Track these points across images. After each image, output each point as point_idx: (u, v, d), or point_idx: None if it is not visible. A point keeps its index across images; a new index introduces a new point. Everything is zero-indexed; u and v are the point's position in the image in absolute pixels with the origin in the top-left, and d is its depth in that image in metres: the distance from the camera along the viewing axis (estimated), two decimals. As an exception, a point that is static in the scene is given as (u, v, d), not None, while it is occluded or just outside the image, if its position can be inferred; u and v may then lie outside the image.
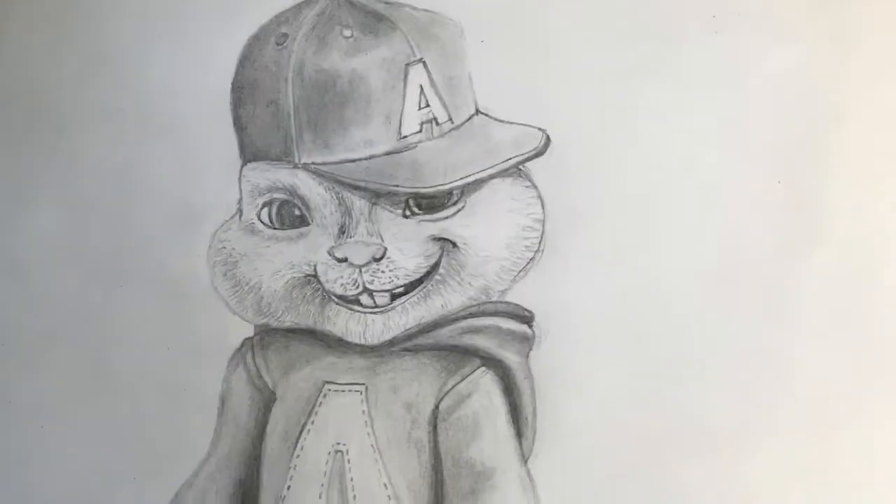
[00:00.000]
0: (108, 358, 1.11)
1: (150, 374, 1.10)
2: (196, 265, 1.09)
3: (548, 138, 1.05)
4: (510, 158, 1.04)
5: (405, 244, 1.03)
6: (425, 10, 1.06)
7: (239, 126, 1.07)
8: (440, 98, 1.04)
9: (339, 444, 1.05)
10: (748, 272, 1.03)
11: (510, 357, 1.06)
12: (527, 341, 1.06)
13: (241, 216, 1.08)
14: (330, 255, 1.03)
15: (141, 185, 1.11)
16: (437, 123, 1.03)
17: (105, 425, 1.11)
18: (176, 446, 1.09)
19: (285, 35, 1.04)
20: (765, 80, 1.04)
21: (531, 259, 1.05)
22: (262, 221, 1.06)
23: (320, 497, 1.05)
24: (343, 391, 1.06)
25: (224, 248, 1.08)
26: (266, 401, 1.08)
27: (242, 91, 1.07)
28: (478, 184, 1.04)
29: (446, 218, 1.04)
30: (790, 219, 1.03)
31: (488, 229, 1.05)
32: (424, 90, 1.03)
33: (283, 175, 1.04)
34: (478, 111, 1.06)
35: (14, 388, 1.12)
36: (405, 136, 1.03)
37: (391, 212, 1.03)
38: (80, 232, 1.11)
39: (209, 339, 1.10)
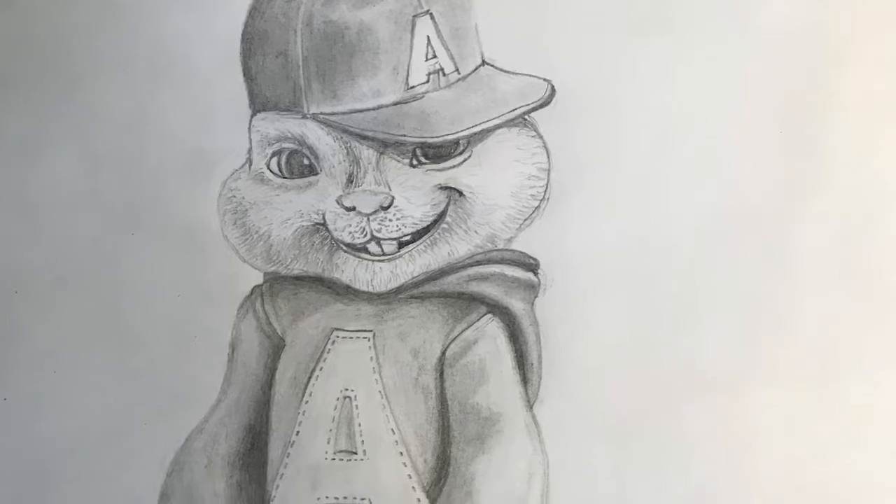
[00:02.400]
0: (120, 304, 1.12)
1: (161, 320, 1.11)
2: (206, 213, 1.10)
3: (553, 88, 1.06)
4: (516, 109, 1.05)
5: (412, 193, 1.05)
6: (432, -38, 1.06)
7: (248, 76, 1.08)
8: (447, 49, 1.05)
9: (347, 389, 1.06)
10: (750, 219, 1.05)
11: (516, 304, 1.07)
12: (532, 289, 1.07)
13: (250, 165, 1.09)
14: (338, 203, 1.05)
15: (152, 132, 1.12)
16: (444, 74, 1.05)
17: (117, 371, 1.12)
18: (186, 392, 1.10)
19: None
20: (766, 29, 1.05)
21: (536, 207, 1.07)
22: (271, 171, 1.08)
23: (329, 442, 1.06)
24: (351, 338, 1.07)
25: (234, 196, 1.09)
26: (275, 347, 1.09)
27: (252, 42, 1.08)
28: (484, 134, 1.05)
29: (453, 167, 1.05)
30: (791, 167, 1.04)
31: (494, 178, 1.06)
32: (431, 41, 1.04)
33: (292, 125, 1.05)
34: (484, 62, 1.07)
35: (27, 333, 1.13)
36: (412, 87, 1.04)
37: (398, 161, 1.04)
38: (92, 179, 1.12)
39: (219, 286, 1.11)
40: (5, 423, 1.13)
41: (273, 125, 1.06)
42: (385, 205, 1.04)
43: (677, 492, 1.06)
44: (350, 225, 1.04)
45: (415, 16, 1.04)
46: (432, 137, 1.04)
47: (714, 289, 1.06)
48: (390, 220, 1.04)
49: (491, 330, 1.07)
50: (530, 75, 1.07)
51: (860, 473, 1.04)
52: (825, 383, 1.04)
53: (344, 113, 1.04)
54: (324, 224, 1.06)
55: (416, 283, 1.08)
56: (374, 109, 1.04)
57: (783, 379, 1.05)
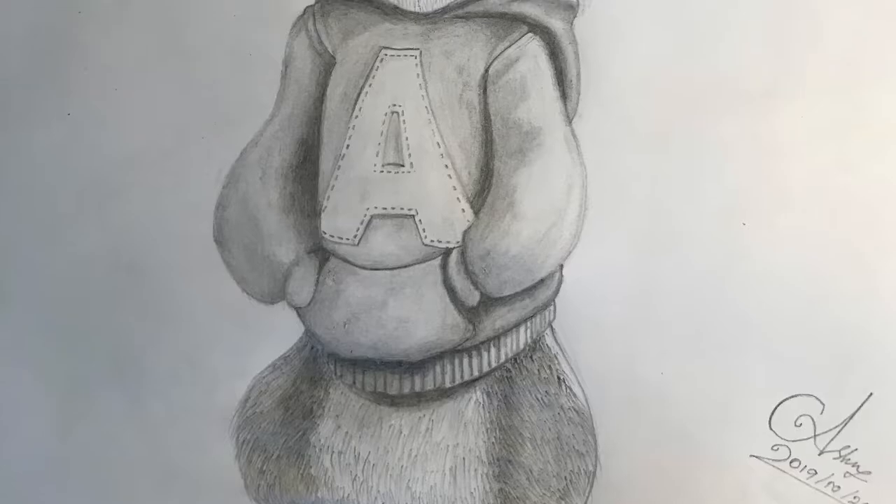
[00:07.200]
0: (179, 23, 1.16)
1: (219, 39, 1.15)
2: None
3: None
4: None
5: None
6: None
7: None
8: None
9: (395, 105, 1.10)
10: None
11: (556, 24, 1.11)
12: (571, 9, 1.11)
13: None
14: (389, -73, 1.08)
15: None
16: None
17: (176, 87, 1.16)
18: (242, 107, 1.15)
19: None
20: None
21: (577, -68, 1.09)
22: None
23: (377, 155, 1.10)
24: (399, 56, 1.11)
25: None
26: (326, 65, 1.13)
27: None
28: None
29: None
30: None
31: None
32: None
33: None
34: None
35: (91, 52, 1.17)
36: None
37: None
38: None
39: (273, 6, 1.14)
40: (69, 138, 1.18)
41: None
42: (431, -72, 1.07)
43: (712, 199, 1.11)
44: (396, -50, 1.08)
45: None
46: None
47: (746, 3, 1.09)
48: (435, -57, 1.07)
49: (532, 48, 1.10)
50: None
51: (885, 182, 1.08)
52: (854, 94, 1.07)
53: None
54: (371, -52, 1.08)
55: (461, 4, 1.11)
56: None
57: (813, 90, 1.08)
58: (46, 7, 1.18)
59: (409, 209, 1.11)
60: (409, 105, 1.11)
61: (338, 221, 1.12)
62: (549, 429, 1.12)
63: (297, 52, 1.15)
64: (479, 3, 1.11)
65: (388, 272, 1.11)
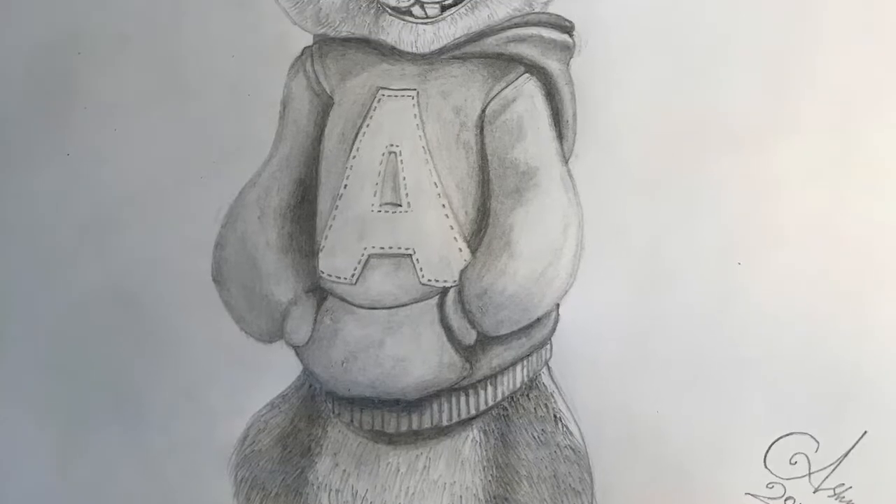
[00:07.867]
0: (178, 62, 1.16)
1: (217, 78, 1.15)
2: (259, -23, 1.13)
3: None
4: None
5: None
6: None
7: None
8: None
9: (392, 145, 1.11)
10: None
11: (552, 64, 1.12)
12: (567, 50, 1.12)
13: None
14: (384, -32, 1.09)
15: None
16: None
17: (175, 128, 1.17)
18: (240, 147, 1.16)
19: None
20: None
21: (573, -28, 1.10)
22: (320, -63, 1.11)
23: (375, 195, 1.11)
24: (396, 96, 1.12)
25: (285, -39, 1.13)
26: (324, 105, 1.14)
27: None
28: None
29: None
30: None
31: (532, -58, 1.10)
32: None
33: None
34: None
35: (90, 92, 1.18)
36: None
37: None
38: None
39: (271, 47, 1.15)
40: (69, 177, 1.19)
41: None
42: (429, -31, 1.08)
43: (707, 238, 1.11)
44: (396, -11, 1.09)
45: None
46: None
47: (742, 45, 1.10)
48: (434, -16, 1.08)
49: (528, 89, 1.11)
50: None
51: (880, 221, 1.09)
52: (849, 134, 1.09)
53: None
54: (370, -12, 1.09)
55: (458, 45, 1.12)
56: None
57: (809, 130, 1.09)
58: (46, 48, 1.19)
59: (407, 248, 1.11)
60: (407, 145, 1.12)
61: (335, 261, 1.12)
62: (546, 467, 1.13)
63: (295, 93, 1.16)
64: (476, 43, 1.12)
65: (385, 311, 1.11)
